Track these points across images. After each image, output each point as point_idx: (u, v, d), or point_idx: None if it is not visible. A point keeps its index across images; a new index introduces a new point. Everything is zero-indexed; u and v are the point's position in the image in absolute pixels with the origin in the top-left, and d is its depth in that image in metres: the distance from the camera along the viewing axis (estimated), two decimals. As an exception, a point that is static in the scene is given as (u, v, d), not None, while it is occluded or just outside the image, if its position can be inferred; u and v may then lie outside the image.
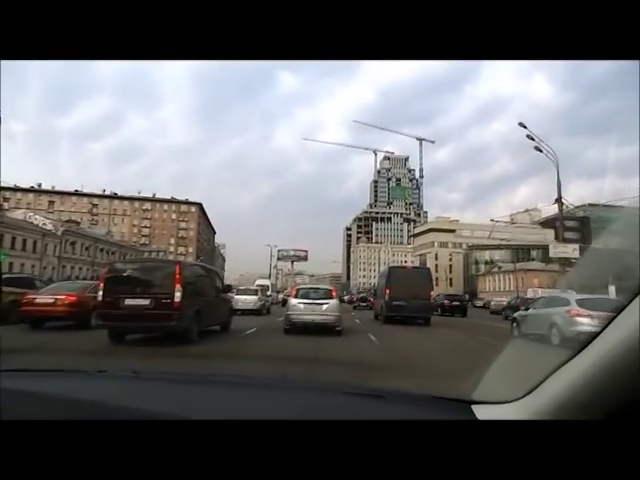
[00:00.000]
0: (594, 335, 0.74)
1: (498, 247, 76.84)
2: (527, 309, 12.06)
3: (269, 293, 31.65)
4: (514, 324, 11.90)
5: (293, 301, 11.57)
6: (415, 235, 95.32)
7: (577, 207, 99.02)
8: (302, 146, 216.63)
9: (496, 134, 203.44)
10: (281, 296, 41.10)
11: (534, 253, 73.53)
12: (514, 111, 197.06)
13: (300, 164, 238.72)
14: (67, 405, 0.99)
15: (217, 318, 10.83)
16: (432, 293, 18.29)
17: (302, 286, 13.86)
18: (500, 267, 66.24)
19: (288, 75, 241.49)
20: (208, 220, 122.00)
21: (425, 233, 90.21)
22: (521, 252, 71.70)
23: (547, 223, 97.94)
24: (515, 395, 0.91)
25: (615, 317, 0.73)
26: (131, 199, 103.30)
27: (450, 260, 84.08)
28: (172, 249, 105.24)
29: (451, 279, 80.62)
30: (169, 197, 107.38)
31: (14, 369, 1.39)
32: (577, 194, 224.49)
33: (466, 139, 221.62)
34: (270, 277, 72.09)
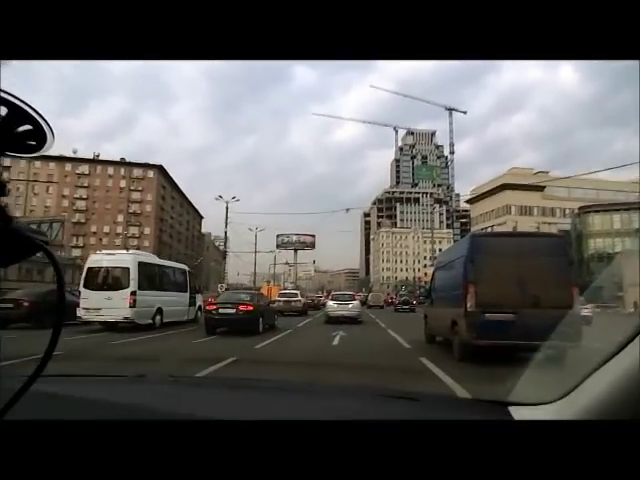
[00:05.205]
0: (632, 336, 0.74)
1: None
2: None
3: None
4: None
5: (330, 302, 18.79)
6: (474, 200, 62.30)
7: None
8: (318, 143, 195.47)
9: (518, 126, 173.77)
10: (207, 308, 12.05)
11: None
12: (537, 103, 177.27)
13: (315, 162, 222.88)
14: (105, 409, 1.01)
15: None
16: (576, 291, 7.14)
17: (335, 292, 22.27)
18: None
19: (303, 71, 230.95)
20: (183, 195, 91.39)
21: (493, 194, 57.29)
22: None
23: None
24: (553, 397, 0.91)
25: None
26: (60, 159, 73.14)
27: (538, 235, 51.89)
28: (120, 229, 75.03)
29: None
30: (118, 159, 77.20)
31: (58, 374, 1.37)
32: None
33: (487, 132, 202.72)
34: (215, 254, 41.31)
